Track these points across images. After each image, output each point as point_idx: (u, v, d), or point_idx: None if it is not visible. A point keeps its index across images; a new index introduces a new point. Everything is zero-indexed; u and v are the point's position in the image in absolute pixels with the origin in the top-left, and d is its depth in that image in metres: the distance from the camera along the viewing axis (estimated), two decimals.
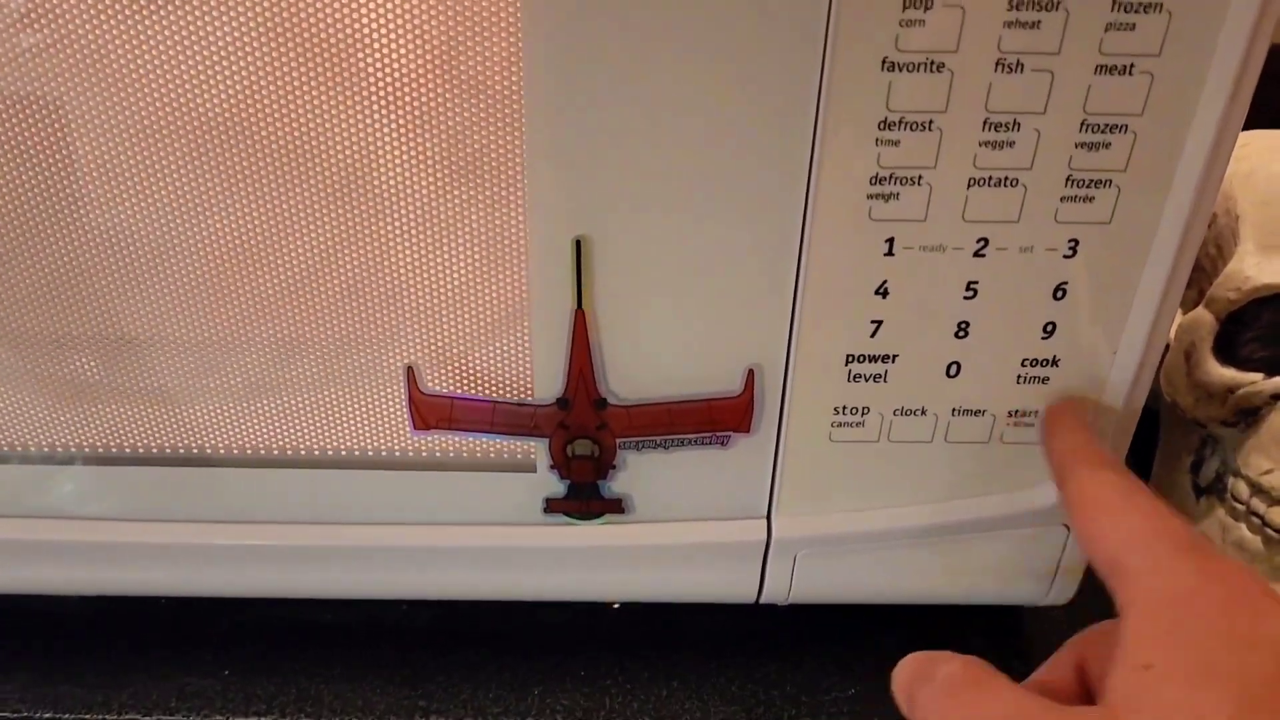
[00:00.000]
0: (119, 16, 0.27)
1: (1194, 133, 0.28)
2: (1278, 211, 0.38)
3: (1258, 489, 0.39)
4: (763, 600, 0.37)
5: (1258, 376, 0.39)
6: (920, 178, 0.28)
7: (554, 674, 0.38)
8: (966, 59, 0.27)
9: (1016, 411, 0.33)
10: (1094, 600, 0.41)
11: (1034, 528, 0.35)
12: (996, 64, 0.27)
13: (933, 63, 0.27)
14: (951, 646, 0.27)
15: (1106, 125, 0.28)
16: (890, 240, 0.30)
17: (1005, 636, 0.40)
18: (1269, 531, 0.39)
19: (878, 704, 0.37)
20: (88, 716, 0.36)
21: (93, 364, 0.33)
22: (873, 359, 0.32)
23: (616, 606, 0.41)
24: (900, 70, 0.27)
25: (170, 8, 0.27)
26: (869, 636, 0.40)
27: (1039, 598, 0.37)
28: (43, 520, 0.36)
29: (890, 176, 0.28)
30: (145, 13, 0.27)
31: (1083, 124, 0.28)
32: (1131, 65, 0.27)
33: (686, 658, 0.39)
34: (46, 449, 0.35)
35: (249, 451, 0.35)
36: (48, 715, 0.37)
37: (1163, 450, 0.45)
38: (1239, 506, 0.40)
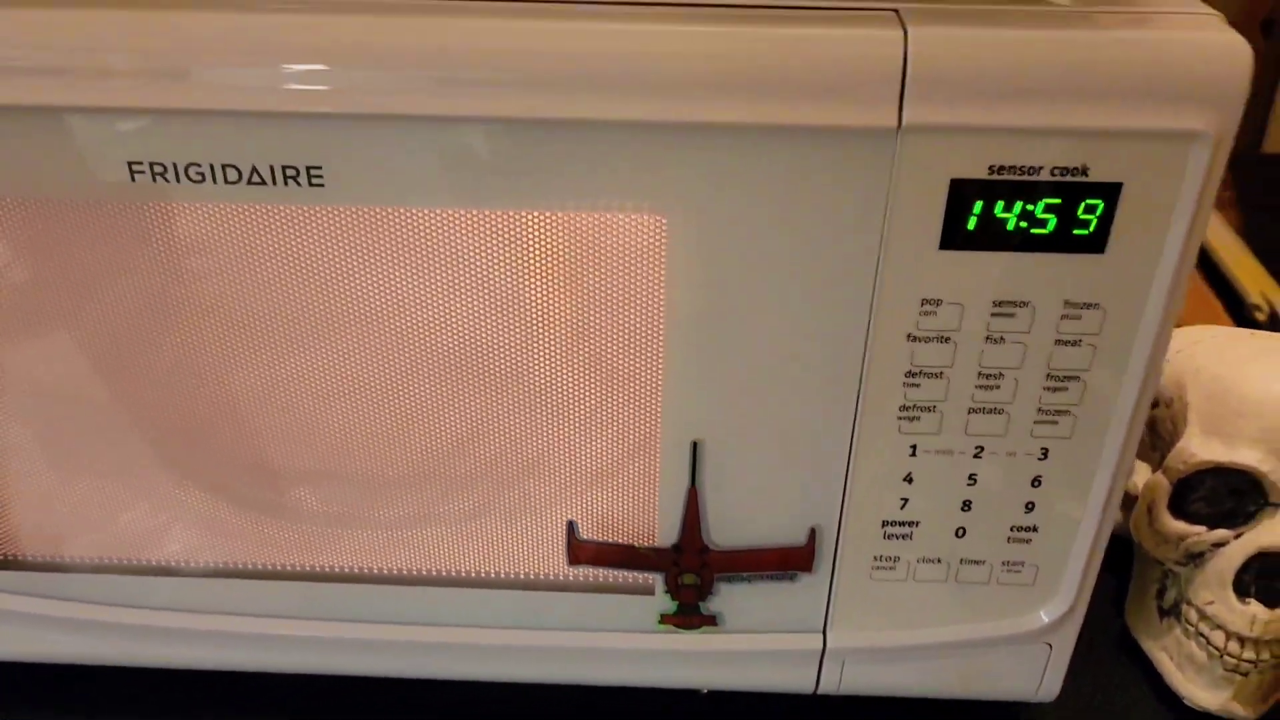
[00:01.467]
0: (390, 295, 0.40)
1: (1126, 383, 0.40)
2: (1216, 407, 0.50)
3: (1203, 615, 0.51)
4: (818, 691, 0.49)
5: (1202, 529, 0.50)
6: (934, 407, 0.41)
7: None
8: (965, 335, 0.39)
9: (1008, 562, 0.45)
10: (1074, 699, 0.53)
11: (1023, 644, 0.47)
12: (985, 338, 0.39)
13: (942, 336, 0.39)
14: None
15: (1064, 376, 0.40)
16: (914, 445, 0.42)
17: None
18: (1211, 649, 0.50)
19: None
20: None
21: (312, 497, 0.47)
22: (901, 524, 0.44)
23: (705, 692, 0.53)
24: (919, 341, 0.40)
25: (417, 290, 0.40)
26: None
27: (1029, 696, 0.49)
28: (236, 616, 0.49)
29: (913, 406, 0.41)
30: (407, 292, 0.40)
31: (1048, 375, 0.40)
32: (1080, 339, 0.39)
33: None
34: (253, 564, 0.48)
35: (426, 572, 0.48)
36: None
37: (1135, 579, 0.56)
38: (1190, 628, 0.51)
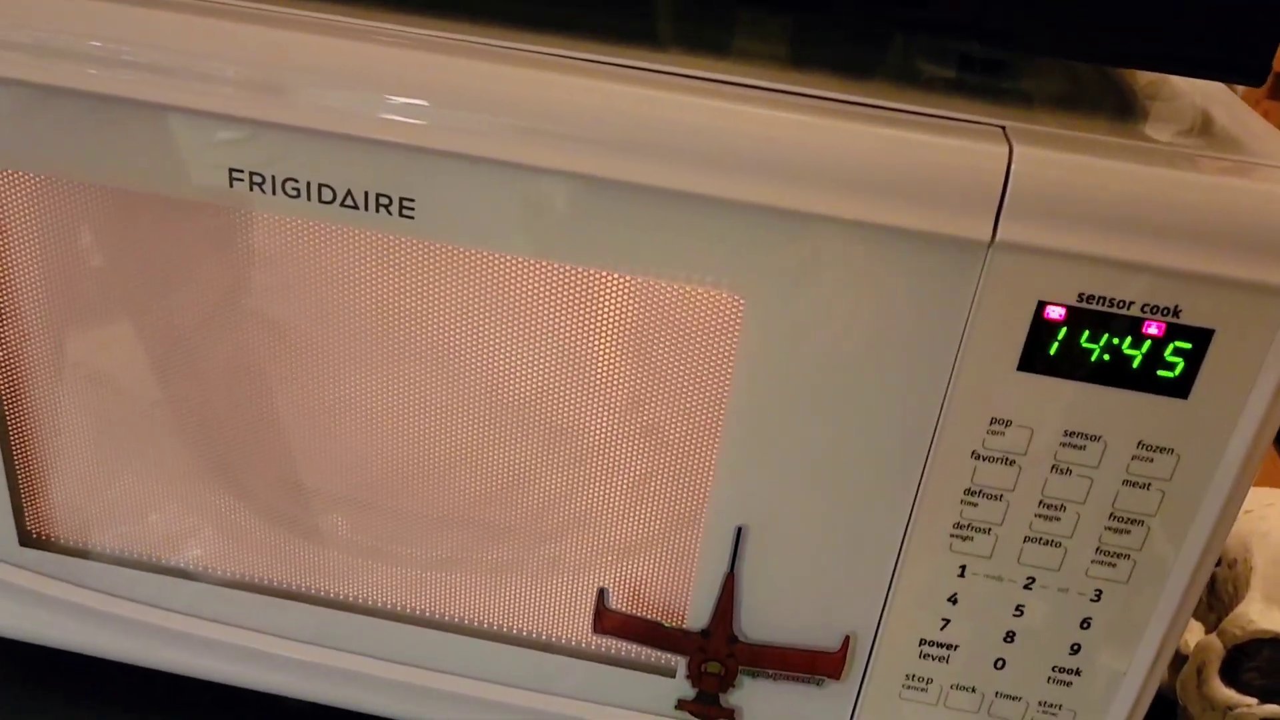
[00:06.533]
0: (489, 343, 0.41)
1: (1193, 532, 0.39)
2: None
3: None
4: None
5: (1253, 701, 0.48)
6: (990, 529, 0.40)
7: None
8: (1031, 460, 0.38)
9: (1044, 702, 0.43)
10: None
11: None
12: (1052, 467, 0.38)
13: (1007, 458, 0.38)
14: None
15: (1129, 519, 0.39)
16: (963, 566, 0.41)
17: None
18: None
19: None
20: None
21: (345, 524, 0.46)
22: (939, 645, 0.43)
23: None
24: (983, 460, 0.39)
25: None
26: None
27: None
28: (248, 631, 0.48)
29: (968, 525, 0.40)
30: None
31: (1111, 515, 0.39)
32: (1150, 483, 0.38)
33: None
34: (273, 582, 0.48)
35: (447, 617, 0.47)
36: None
37: None
38: None
